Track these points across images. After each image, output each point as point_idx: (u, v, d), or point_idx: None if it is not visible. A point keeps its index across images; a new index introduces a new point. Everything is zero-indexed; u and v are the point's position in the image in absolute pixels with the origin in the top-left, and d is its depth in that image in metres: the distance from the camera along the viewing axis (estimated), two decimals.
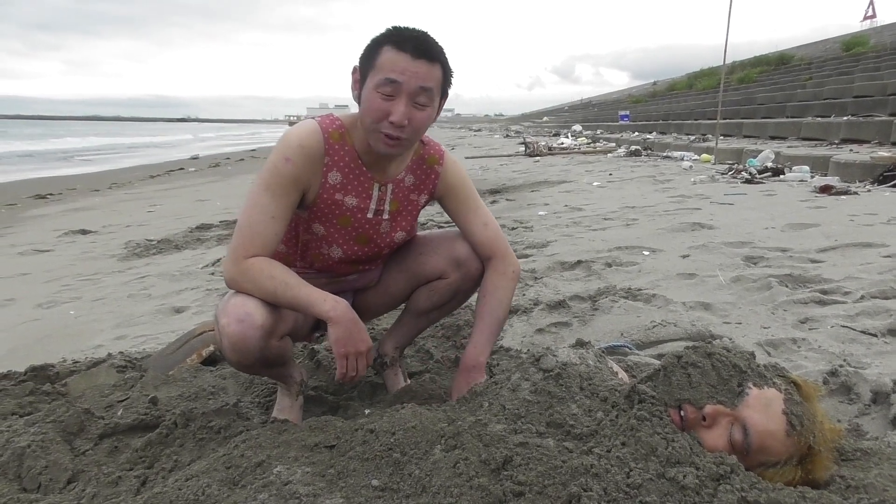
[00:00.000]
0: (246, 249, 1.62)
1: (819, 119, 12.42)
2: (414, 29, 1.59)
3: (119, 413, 1.91)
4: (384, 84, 1.54)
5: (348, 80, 1.68)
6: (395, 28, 1.59)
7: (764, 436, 1.23)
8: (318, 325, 1.99)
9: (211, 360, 2.44)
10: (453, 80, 1.67)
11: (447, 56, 1.62)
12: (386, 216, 1.81)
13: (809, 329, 2.38)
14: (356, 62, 1.65)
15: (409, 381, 2.11)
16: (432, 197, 1.88)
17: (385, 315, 2.62)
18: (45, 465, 1.60)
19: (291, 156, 1.63)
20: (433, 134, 1.88)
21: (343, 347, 1.61)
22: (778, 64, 25.58)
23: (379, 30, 1.61)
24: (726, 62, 12.24)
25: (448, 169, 1.86)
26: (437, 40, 1.60)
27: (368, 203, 1.76)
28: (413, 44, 1.54)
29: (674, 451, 1.19)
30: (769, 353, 2.16)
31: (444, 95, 1.67)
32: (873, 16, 30.11)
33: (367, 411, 1.91)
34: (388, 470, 1.31)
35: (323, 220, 1.75)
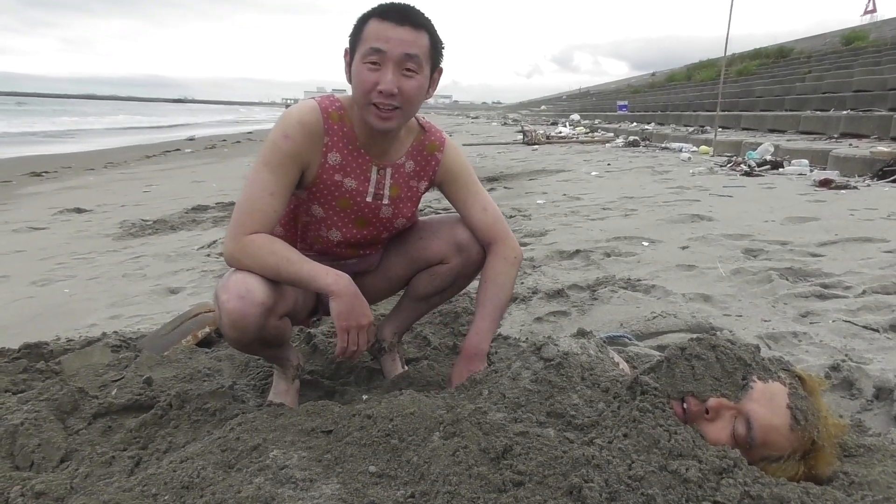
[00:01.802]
0: (245, 226, 1.61)
1: (818, 113, 12.40)
2: (400, 2, 1.59)
3: (113, 393, 1.89)
4: (370, 53, 1.55)
5: (342, 63, 1.67)
6: (380, 3, 1.60)
7: (767, 430, 1.22)
8: (316, 310, 1.97)
9: (206, 342, 2.42)
10: (444, 52, 1.66)
11: (435, 26, 1.62)
12: (386, 201, 1.79)
13: (811, 323, 2.38)
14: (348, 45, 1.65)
15: (406, 368, 2.10)
16: (432, 183, 1.87)
17: (383, 301, 2.61)
18: (38, 443, 1.59)
19: (291, 133, 1.63)
20: (430, 121, 1.87)
21: (345, 321, 1.60)
22: (777, 57, 25.50)
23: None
24: (726, 54, 12.19)
25: (448, 155, 1.84)
26: (422, 11, 1.60)
27: (367, 186, 1.75)
28: (396, 11, 1.56)
29: (676, 443, 1.18)
30: (770, 347, 2.15)
31: (435, 67, 1.66)
32: (874, 10, 30.00)
33: (364, 397, 1.89)
34: (385, 456, 1.29)
35: (322, 202, 1.74)
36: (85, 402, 1.83)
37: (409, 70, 1.57)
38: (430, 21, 1.61)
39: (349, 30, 1.63)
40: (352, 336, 1.62)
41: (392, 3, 1.58)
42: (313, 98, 1.72)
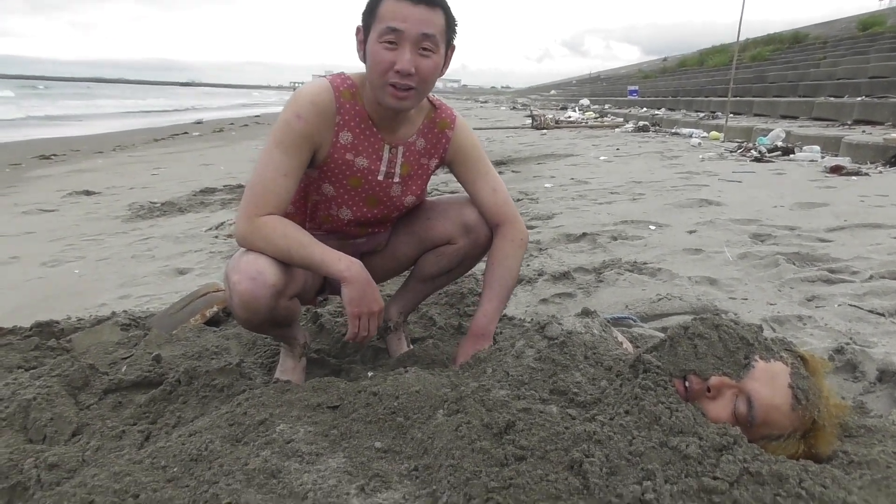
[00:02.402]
0: (258, 207, 1.61)
1: (832, 99, 12.25)
2: None
3: (123, 370, 1.92)
4: (386, 33, 1.53)
5: (353, 47, 1.66)
6: None
7: (768, 409, 1.22)
8: (323, 289, 1.99)
9: (214, 321, 2.45)
10: (457, 30, 1.65)
11: (449, 4, 1.60)
12: (397, 179, 1.79)
13: (816, 307, 2.38)
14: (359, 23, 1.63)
15: (412, 347, 2.12)
16: (442, 161, 1.87)
17: (389, 281, 2.62)
18: (50, 417, 1.62)
19: (303, 113, 1.62)
20: (441, 99, 1.86)
21: (357, 307, 1.61)
22: (792, 42, 25.18)
23: None
24: (739, 39, 12.06)
25: (459, 133, 1.84)
26: None
27: (379, 165, 1.75)
28: None
29: (677, 420, 1.19)
30: (775, 330, 2.16)
31: (449, 45, 1.65)
32: None
33: (370, 374, 1.91)
34: (391, 433, 1.31)
35: (333, 181, 1.74)
36: (95, 378, 1.86)
37: (425, 49, 1.56)
38: None
39: (360, 9, 1.61)
40: (363, 322, 1.63)
41: None
42: (324, 77, 1.72)
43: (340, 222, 1.82)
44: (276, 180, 1.62)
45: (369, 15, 1.58)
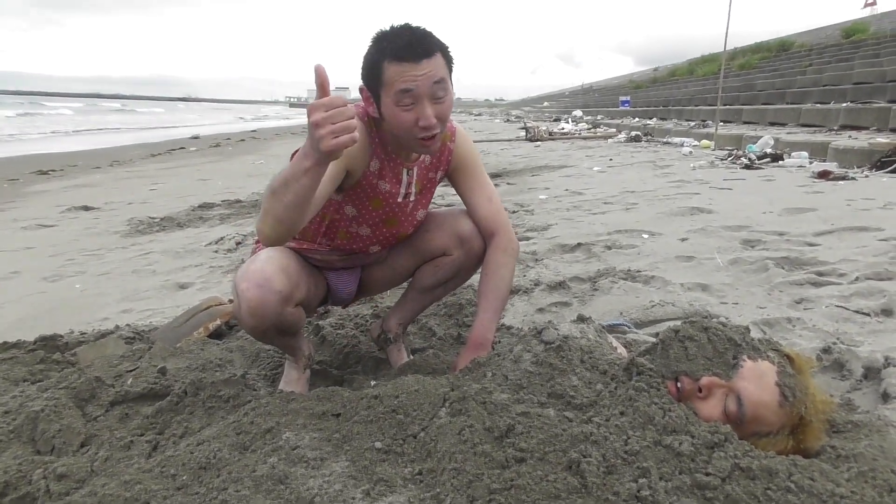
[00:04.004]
0: None
1: (818, 105, 12.40)
2: (401, 30, 1.58)
3: (129, 382, 1.95)
4: (402, 96, 1.56)
5: (347, 64, 1.69)
6: (382, 38, 1.58)
7: (757, 406, 1.27)
8: (325, 300, 2.03)
9: (217, 334, 2.48)
10: (452, 54, 1.67)
11: (437, 37, 1.61)
12: (413, 198, 1.87)
13: (804, 309, 2.43)
14: (364, 47, 1.64)
15: (412, 357, 2.16)
16: (446, 172, 1.92)
17: (388, 293, 2.67)
18: (58, 428, 1.65)
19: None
20: None
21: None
22: (778, 50, 25.43)
23: (373, 29, 1.61)
24: (727, 48, 12.20)
25: (460, 143, 1.90)
26: (423, 29, 1.60)
27: (399, 188, 1.81)
28: (409, 50, 1.55)
29: (670, 420, 1.24)
30: (765, 332, 2.20)
31: (450, 72, 1.69)
32: (874, 3, 29.91)
33: (372, 382, 1.95)
34: (391, 431, 1.35)
35: (357, 203, 1.80)
36: (102, 390, 1.89)
37: (439, 97, 1.59)
38: (433, 36, 1.60)
39: (353, 31, 1.63)
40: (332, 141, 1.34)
41: (400, 39, 1.56)
42: (352, 106, 1.72)
43: (359, 238, 1.88)
44: None
45: (372, 80, 1.61)
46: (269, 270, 1.63)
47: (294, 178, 1.40)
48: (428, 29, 1.61)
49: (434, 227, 1.99)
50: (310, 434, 1.38)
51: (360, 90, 1.69)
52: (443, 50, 1.62)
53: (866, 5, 29.65)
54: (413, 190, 1.85)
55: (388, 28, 1.60)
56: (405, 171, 1.81)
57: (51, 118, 35.58)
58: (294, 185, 1.41)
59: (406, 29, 1.59)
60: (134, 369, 2.07)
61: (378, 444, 1.32)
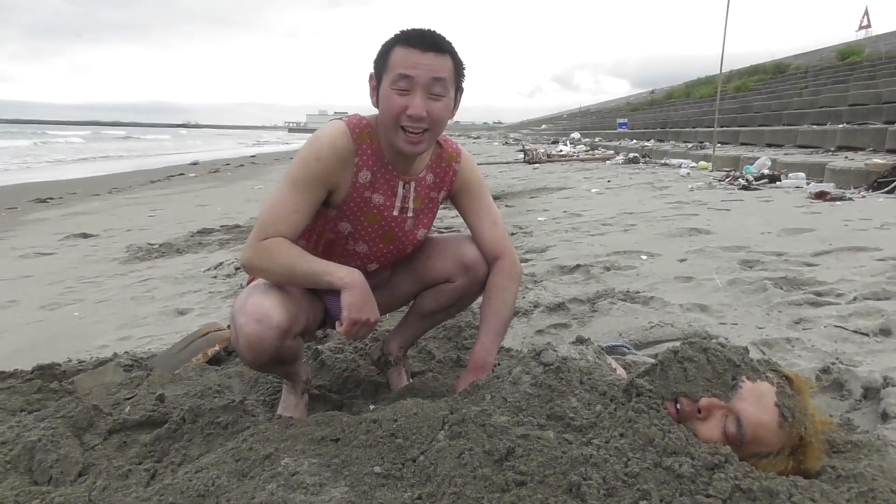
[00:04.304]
0: (266, 236, 1.66)
1: (815, 127, 12.51)
2: (421, 27, 1.65)
3: (127, 410, 1.94)
4: (398, 80, 1.60)
5: (347, 88, 1.76)
6: (403, 29, 1.65)
7: (757, 427, 1.27)
8: (324, 324, 2.03)
9: (216, 360, 2.47)
10: (465, 74, 1.72)
11: (456, 49, 1.67)
12: (410, 214, 1.85)
13: (803, 329, 2.43)
14: (364, 71, 1.72)
15: (412, 380, 2.15)
16: (449, 193, 1.92)
17: (388, 316, 2.66)
18: (55, 458, 1.63)
19: (322, 155, 1.68)
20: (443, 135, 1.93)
21: (356, 313, 1.63)
22: (774, 72, 25.72)
23: (385, 38, 1.68)
24: (723, 71, 12.34)
25: (465, 166, 1.91)
26: (443, 35, 1.65)
27: (394, 201, 1.81)
28: (420, 38, 1.61)
29: (670, 441, 1.23)
30: (764, 353, 2.20)
31: (458, 89, 1.72)
32: (868, 25, 30.33)
33: (371, 407, 1.94)
34: (390, 455, 1.34)
35: (351, 218, 1.80)
36: (100, 418, 1.87)
37: (436, 94, 1.63)
38: (451, 45, 1.66)
39: (352, 54, 1.70)
40: (358, 329, 1.66)
41: (415, 30, 1.63)
42: (341, 119, 1.77)
43: (357, 256, 1.87)
44: (286, 215, 1.67)
45: (381, 63, 1.65)
46: (267, 304, 1.62)
47: (304, 278, 1.66)
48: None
49: (437, 254, 1.98)
50: (308, 459, 1.37)
51: (369, 78, 1.72)
52: (455, 57, 1.66)
53: (861, 28, 30.05)
54: (410, 205, 1.84)
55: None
56: (401, 184, 1.81)
57: (61, 147, 36.47)
58: (298, 280, 1.67)
59: (427, 28, 1.65)
60: (132, 397, 2.06)
61: (377, 469, 1.31)
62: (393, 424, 1.40)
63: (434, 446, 1.32)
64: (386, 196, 1.79)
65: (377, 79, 1.68)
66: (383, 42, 1.67)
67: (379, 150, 1.76)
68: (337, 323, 1.67)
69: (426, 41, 1.61)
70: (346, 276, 1.65)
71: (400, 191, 1.81)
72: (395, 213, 1.82)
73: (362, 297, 1.65)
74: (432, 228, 2.02)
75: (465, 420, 1.36)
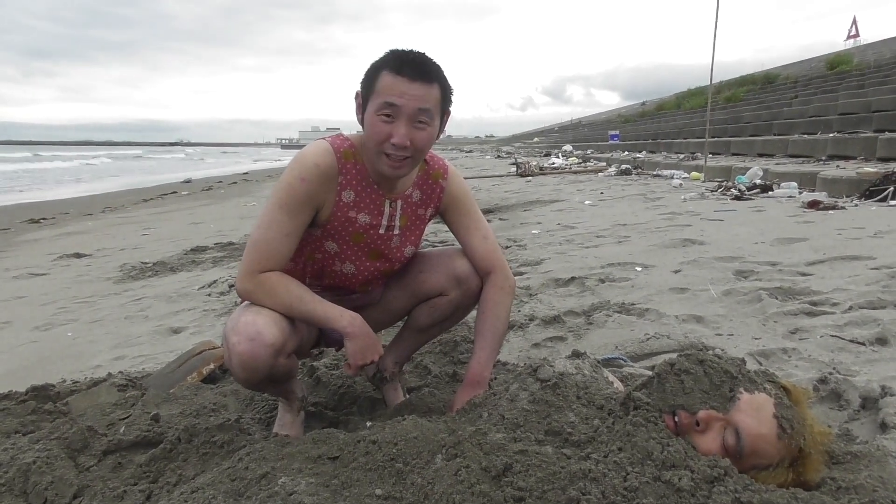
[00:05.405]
0: (261, 264, 1.67)
1: (805, 136, 12.62)
2: (411, 51, 1.64)
3: (121, 430, 1.92)
4: (384, 107, 1.60)
5: (339, 104, 1.76)
6: (392, 52, 1.64)
7: (756, 439, 1.26)
8: (318, 342, 2.02)
9: (211, 378, 2.46)
10: (453, 98, 1.72)
11: (445, 75, 1.66)
12: (397, 231, 1.85)
13: (799, 339, 2.44)
14: (356, 87, 1.70)
15: (408, 396, 2.14)
16: (437, 210, 1.92)
17: (383, 332, 2.65)
18: (50, 480, 1.62)
19: (307, 176, 1.68)
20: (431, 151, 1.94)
21: (361, 360, 1.73)
22: (764, 83, 25.98)
23: (376, 55, 1.67)
24: (713, 82, 12.46)
25: (452, 182, 1.90)
26: (434, 60, 1.64)
27: (380, 220, 1.81)
28: (410, 67, 1.59)
29: (669, 455, 1.23)
30: (760, 363, 2.21)
31: (444, 113, 1.72)
32: (857, 35, 30.73)
33: (368, 424, 1.93)
34: (391, 480, 1.33)
35: (336, 238, 1.79)
36: (94, 439, 1.86)
37: (420, 123, 1.62)
38: (440, 70, 1.64)
39: (343, 72, 1.70)
40: (364, 369, 1.78)
41: (405, 55, 1.61)
42: (325, 139, 1.77)
43: (344, 277, 1.87)
44: (278, 240, 1.67)
45: (368, 85, 1.64)
46: (260, 323, 1.62)
47: (302, 318, 1.71)
48: (442, 67, 1.66)
49: (429, 268, 1.97)
50: (306, 479, 1.36)
51: (356, 96, 1.71)
52: (443, 86, 1.66)
53: (849, 37, 30.42)
54: (397, 223, 1.84)
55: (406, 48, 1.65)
56: (388, 202, 1.80)
57: (77, 168, 36.61)
58: (297, 318, 1.71)
59: (419, 53, 1.64)
60: (127, 417, 2.05)
61: (378, 492, 1.30)
62: (393, 448, 1.38)
63: (431, 467, 1.31)
64: (372, 215, 1.79)
65: (363, 100, 1.67)
66: (373, 61, 1.65)
67: (364, 170, 1.76)
68: (344, 365, 1.78)
69: (415, 70, 1.59)
70: (347, 326, 1.70)
71: (386, 209, 1.81)
72: (382, 231, 1.82)
73: (365, 343, 1.72)
74: (426, 243, 2.02)
75: (460, 441, 1.35)
